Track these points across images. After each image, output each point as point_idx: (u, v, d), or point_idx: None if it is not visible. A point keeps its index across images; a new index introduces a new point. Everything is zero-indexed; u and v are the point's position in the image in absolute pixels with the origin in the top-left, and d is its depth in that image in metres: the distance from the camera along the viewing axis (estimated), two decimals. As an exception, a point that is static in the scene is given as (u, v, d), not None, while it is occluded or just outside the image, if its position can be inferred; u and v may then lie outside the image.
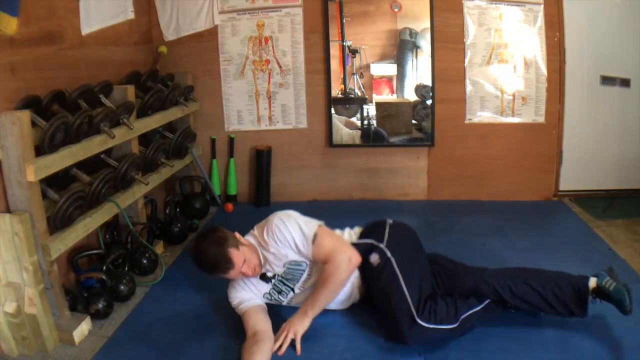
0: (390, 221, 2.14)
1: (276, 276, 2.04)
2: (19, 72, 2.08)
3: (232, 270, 1.90)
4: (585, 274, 1.93)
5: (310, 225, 1.99)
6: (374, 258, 1.98)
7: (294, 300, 2.09)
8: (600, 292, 1.86)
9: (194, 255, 1.96)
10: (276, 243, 1.98)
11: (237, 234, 2.02)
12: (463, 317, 1.87)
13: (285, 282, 2.05)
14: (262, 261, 2.03)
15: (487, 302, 1.92)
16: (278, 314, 2.07)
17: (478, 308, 1.90)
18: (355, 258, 1.95)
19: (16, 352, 1.96)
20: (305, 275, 2.04)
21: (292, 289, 2.07)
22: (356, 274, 2.06)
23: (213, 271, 1.93)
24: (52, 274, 1.99)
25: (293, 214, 2.05)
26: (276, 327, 1.92)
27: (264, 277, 2.04)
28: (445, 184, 3.55)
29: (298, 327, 1.88)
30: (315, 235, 1.95)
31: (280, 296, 2.08)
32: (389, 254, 1.96)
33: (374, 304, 2.08)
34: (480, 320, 1.91)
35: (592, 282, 1.88)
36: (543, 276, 1.92)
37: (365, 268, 2.01)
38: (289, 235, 1.96)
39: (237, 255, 1.90)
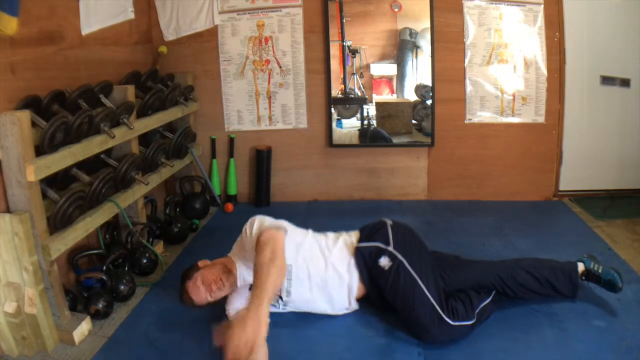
0: (389, 222, 2.13)
1: None
2: (19, 72, 2.09)
3: (195, 299, 2.01)
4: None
5: (266, 225, 1.94)
6: (384, 261, 1.96)
7: (288, 306, 2.08)
8: (589, 275, 2.09)
9: None
10: (244, 241, 2.02)
11: (201, 262, 2.09)
12: (477, 311, 1.94)
13: None
14: (246, 272, 2.03)
15: (494, 293, 2.03)
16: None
17: (488, 300, 2.00)
18: (280, 259, 1.78)
19: (16, 352, 1.96)
20: None
21: (280, 297, 2.05)
22: (355, 284, 2.03)
23: (191, 307, 2.05)
24: (52, 274, 1.99)
25: (265, 217, 2.02)
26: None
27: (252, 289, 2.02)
28: (445, 184, 3.55)
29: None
30: (261, 233, 1.88)
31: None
32: (399, 257, 1.95)
33: (373, 304, 2.08)
34: (491, 312, 2.01)
35: (580, 266, 2.12)
36: (538, 264, 2.10)
37: (374, 272, 2.00)
38: (249, 229, 1.97)
39: (191, 284, 2.00)
